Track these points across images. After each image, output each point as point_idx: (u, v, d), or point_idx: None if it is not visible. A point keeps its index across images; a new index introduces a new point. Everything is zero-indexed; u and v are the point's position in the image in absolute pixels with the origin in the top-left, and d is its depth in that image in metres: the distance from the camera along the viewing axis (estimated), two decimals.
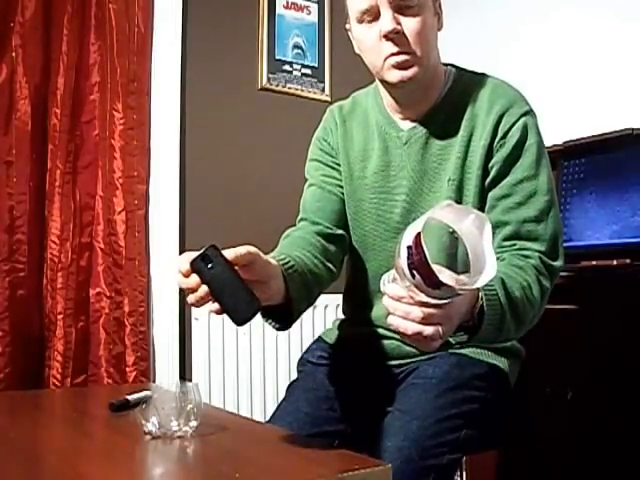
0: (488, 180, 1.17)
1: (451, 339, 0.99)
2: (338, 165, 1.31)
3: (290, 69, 2.66)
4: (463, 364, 1.18)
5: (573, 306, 1.68)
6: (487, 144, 1.16)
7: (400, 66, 1.14)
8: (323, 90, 2.73)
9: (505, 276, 1.03)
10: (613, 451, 1.59)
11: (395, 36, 1.12)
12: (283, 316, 1.06)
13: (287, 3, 2.67)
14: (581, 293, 1.68)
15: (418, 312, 0.82)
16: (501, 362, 1.22)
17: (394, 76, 1.16)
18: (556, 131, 2.02)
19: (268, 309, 1.01)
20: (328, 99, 2.72)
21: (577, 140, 1.97)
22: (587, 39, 2.23)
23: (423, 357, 1.22)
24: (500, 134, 1.16)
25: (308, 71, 2.71)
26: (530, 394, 1.56)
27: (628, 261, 1.70)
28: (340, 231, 1.28)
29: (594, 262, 1.78)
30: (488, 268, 0.79)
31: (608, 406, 1.60)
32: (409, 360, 1.24)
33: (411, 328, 0.83)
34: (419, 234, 0.77)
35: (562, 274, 1.71)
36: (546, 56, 2.35)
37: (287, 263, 1.05)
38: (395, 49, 1.13)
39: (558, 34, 2.32)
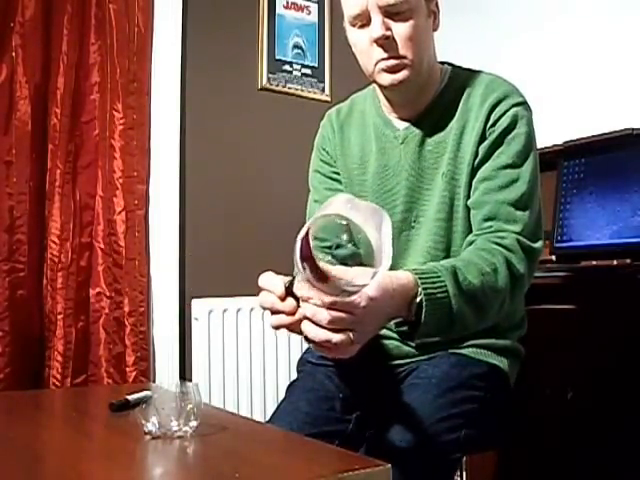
0: (475, 163, 1.17)
1: (393, 328, 0.99)
2: (338, 174, 1.33)
3: (290, 69, 2.66)
4: (463, 364, 1.18)
5: (573, 306, 1.68)
6: (479, 133, 1.17)
7: (390, 70, 1.15)
8: (323, 90, 2.73)
9: (462, 264, 1.02)
10: (613, 451, 1.59)
11: (385, 42, 1.13)
12: None
13: (287, 3, 2.67)
14: (581, 293, 1.68)
15: (325, 314, 0.80)
16: (501, 362, 1.22)
17: (385, 80, 1.17)
18: (556, 131, 2.02)
19: None
20: (328, 99, 2.72)
21: (577, 140, 1.97)
22: (587, 39, 2.23)
23: (423, 357, 1.22)
24: (491, 122, 1.17)
25: (308, 71, 2.71)
26: (530, 394, 1.56)
27: (628, 261, 1.70)
28: None
29: (594, 262, 1.78)
30: (383, 264, 0.76)
31: (608, 406, 1.60)
32: (409, 360, 1.24)
33: (319, 335, 0.81)
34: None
35: (562, 274, 1.73)
36: (546, 56, 2.35)
37: None
38: (385, 54, 1.14)
39: (558, 34, 2.32)
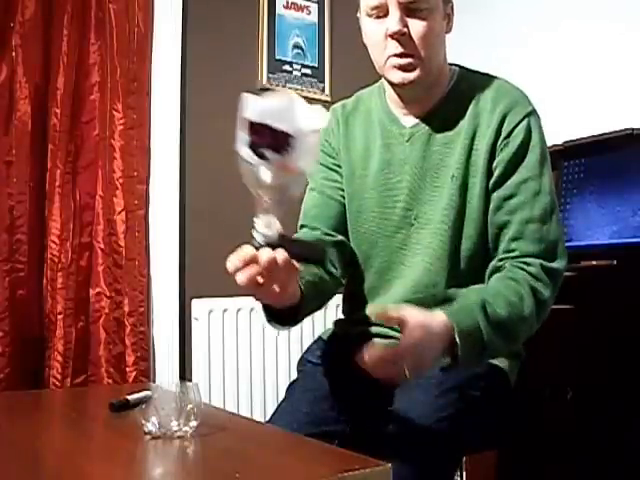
0: (492, 180, 1.18)
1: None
2: (339, 167, 1.32)
3: (290, 69, 2.66)
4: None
5: (573, 306, 1.68)
6: (491, 143, 1.17)
7: (403, 68, 1.16)
8: (323, 90, 2.73)
9: (491, 297, 1.07)
10: (613, 451, 1.59)
11: (401, 37, 1.13)
12: (286, 319, 1.10)
13: (287, 3, 2.67)
14: (581, 293, 1.68)
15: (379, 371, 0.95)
16: (501, 362, 1.22)
17: (396, 77, 1.18)
18: (556, 131, 2.02)
19: (274, 311, 1.06)
20: (328, 99, 2.72)
21: (577, 140, 1.97)
22: (587, 39, 2.23)
23: None
24: (504, 134, 1.17)
25: (308, 71, 2.71)
26: (530, 394, 1.56)
27: (628, 261, 1.70)
28: (340, 237, 1.30)
29: (594, 262, 1.78)
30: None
31: (608, 406, 1.60)
32: None
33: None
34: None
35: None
36: (546, 56, 2.35)
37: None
38: (399, 50, 1.14)
39: (559, 35, 2.32)
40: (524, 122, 1.17)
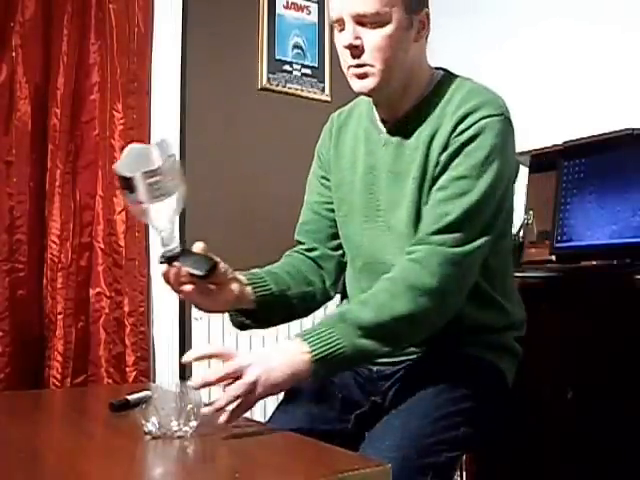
0: (436, 172, 1.17)
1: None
2: (328, 180, 1.36)
3: (290, 69, 2.66)
4: (462, 362, 1.19)
5: (573, 306, 1.68)
6: (445, 141, 1.16)
7: (359, 77, 1.18)
8: (323, 90, 2.73)
9: (356, 304, 1.12)
10: (613, 451, 1.59)
11: (354, 49, 1.16)
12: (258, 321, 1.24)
13: (287, 3, 2.67)
14: (581, 293, 1.68)
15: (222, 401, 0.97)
16: (499, 361, 1.22)
17: (354, 85, 1.20)
18: (556, 131, 2.02)
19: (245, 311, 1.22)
20: (328, 99, 2.72)
21: (577, 140, 1.97)
22: (587, 39, 2.23)
23: (421, 355, 1.22)
24: (456, 132, 1.15)
25: (308, 71, 2.71)
26: (530, 394, 1.56)
27: (628, 261, 1.70)
28: (329, 250, 1.35)
29: (594, 262, 1.78)
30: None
31: (608, 406, 1.60)
32: (408, 358, 1.24)
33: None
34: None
35: (562, 274, 1.73)
36: (546, 56, 2.35)
37: (257, 274, 1.24)
38: (354, 62, 1.17)
39: (558, 34, 2.32)
40: (479, 123, 1.14)
